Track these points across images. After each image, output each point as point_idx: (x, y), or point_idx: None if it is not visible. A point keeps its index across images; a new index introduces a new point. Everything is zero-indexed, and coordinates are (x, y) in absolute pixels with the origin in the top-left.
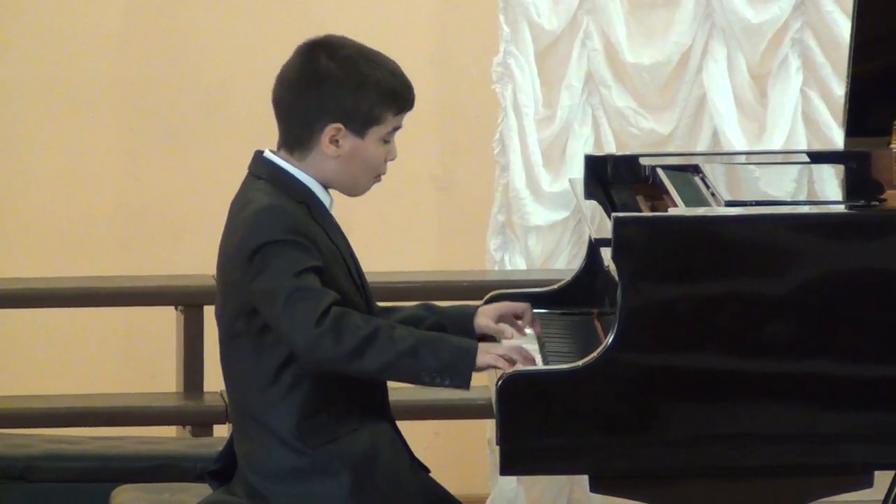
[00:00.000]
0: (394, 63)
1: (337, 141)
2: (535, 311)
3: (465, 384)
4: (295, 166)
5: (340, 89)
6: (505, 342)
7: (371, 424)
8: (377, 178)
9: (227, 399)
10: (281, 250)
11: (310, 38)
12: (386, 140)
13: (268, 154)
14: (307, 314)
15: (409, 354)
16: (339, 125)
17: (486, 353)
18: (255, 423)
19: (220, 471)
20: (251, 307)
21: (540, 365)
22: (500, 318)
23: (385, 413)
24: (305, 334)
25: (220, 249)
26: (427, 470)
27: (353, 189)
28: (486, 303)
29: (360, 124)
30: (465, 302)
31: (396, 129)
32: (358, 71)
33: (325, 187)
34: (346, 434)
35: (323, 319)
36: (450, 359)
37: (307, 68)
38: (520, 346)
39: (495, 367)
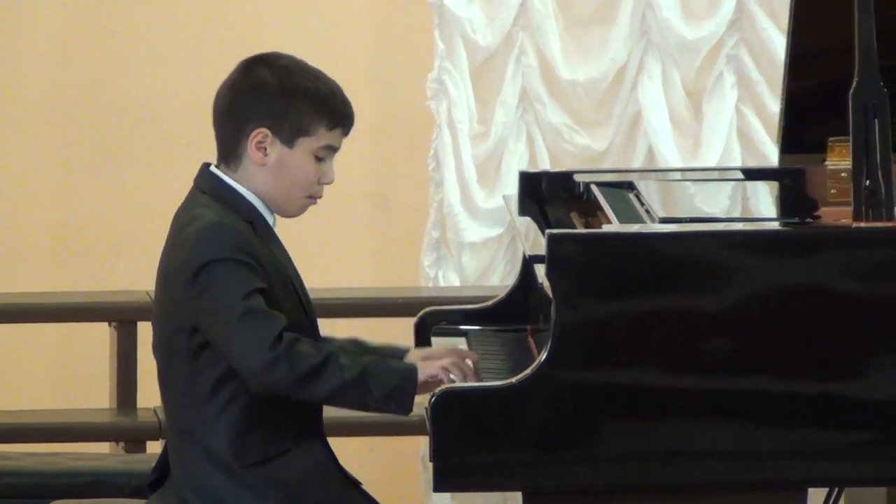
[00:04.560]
0: (335, 84)
1: (264, 148)
2: (468, 327)
3: (408, 410)
4: (234, 180)
5: (271, 95)
6: (445, 358)
7: (304, 445)
8: (311, 200)
9: (160, 415)
10: (227, 269)
11: (254, 54)
12: (319, 157)
13: (213, 168)
14: (261, 338)
15: (357, 383)
16: (266, 130)
17: (427, 368)
18: (188, 441)
19: (157, 480)
20: (192, 325)
21: (473, 381)
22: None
23: (318, 432)
24: (259, 358)
25: (161, 265)
26: (358, 483)
27: (285, 205)
28: (420, 320)
29: (288, 132)
30: (400, 319)
31: (332, 148)
32: (291, 79)
33: (269, 210)
34: (277, 456)
35: (277, 344)
36: (394, 386)
37: (243, 78)
38: (460, 354)
39: (437, 379)
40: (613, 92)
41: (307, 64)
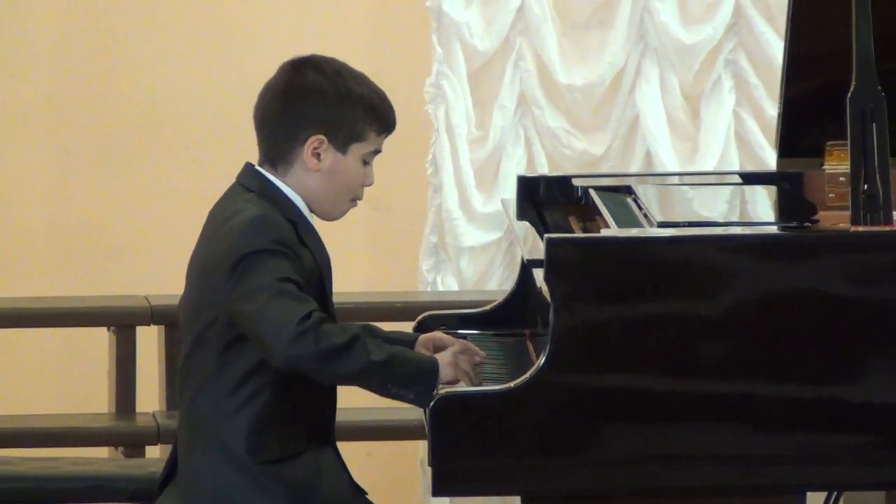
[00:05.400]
0: (380, 88)
1: (319, 154)
2: (467, 332)
3: (427, 402)
4: (283, 182)
5: (326, 102)
6: (460, 359)
7: (316, 449)
8: (354, 203)
9: (159, 420)
10: (266, 258)
11: (295, 56)
12: (366, 161)
13: (258, 167)
14: (292, 312)
15: (381, 366)
16: (323, 137)
17: (448, 367)
18: (203, 436)
19: (165, 482)
20: (227, 317)
21: (472, 386)
22: (436, 349)
23: (330, 439)
24: (288, 331)
25: (197, 257)
26: (364, 492)
27: (331, 209)
28: (419, 324)
29: (343, 139)
30: (398, 323)
31: (378, 152)
32: (345, 85)
33: (313, 212)
34: (290, 457)
35: (305, 320)
36: (416, 374)
37: (294, 81)
38: (469, 356)
39: (456, 381)
40: (611, 96)
41: (351, 67)
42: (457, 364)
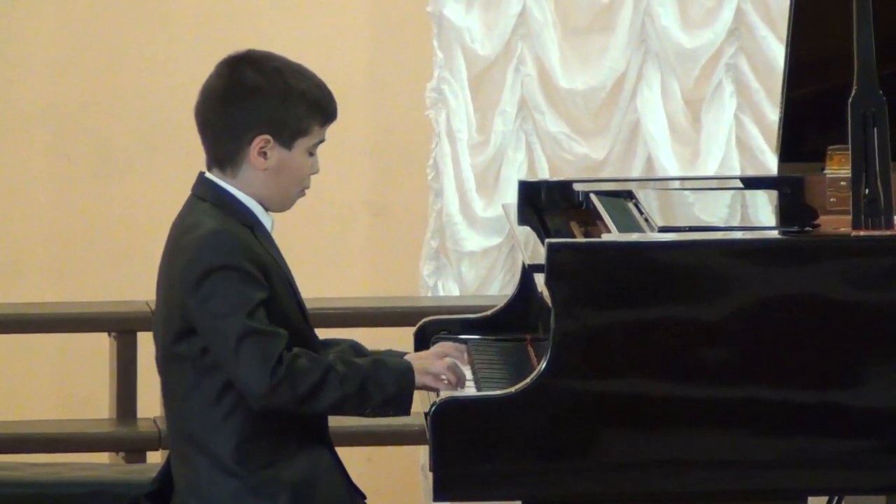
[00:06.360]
0: (317, 76)
1: (265, 153)
2: (468, 337)
3: (407, 412)
4: (232, 185)
5: (269, 101)
6: (437, 363)
7: (310, 450)
8: (303, 193)
9: (160, 425)
10: (230, 279)
11: (231, 53)
12: (311, 152)
13: (210, 175)
14: (263, 362)
15: (357, 394)
16: (269, 137)
17: (423, 374)
18: (193, 447)
19: (157, 491)
20: (191, 329)
21: (473, 391)
22: None
23: (325, 439)
24: (262, 382)
25: (161, 273)
26: (363, 496)
27: (282, 203)
28: (419, 329)
29: (288, 136)
30: (399, 329)
31: (321, 141)
32: (286, 82)
33: (265, 208)
34: (285, 459)
35: (278, 367)
36: (392, 391)
37: (234, 82)
38: (453, 364)
39: (433, 388)
40: (612, 101)
41: (288, 60)
42: (428, 371)
